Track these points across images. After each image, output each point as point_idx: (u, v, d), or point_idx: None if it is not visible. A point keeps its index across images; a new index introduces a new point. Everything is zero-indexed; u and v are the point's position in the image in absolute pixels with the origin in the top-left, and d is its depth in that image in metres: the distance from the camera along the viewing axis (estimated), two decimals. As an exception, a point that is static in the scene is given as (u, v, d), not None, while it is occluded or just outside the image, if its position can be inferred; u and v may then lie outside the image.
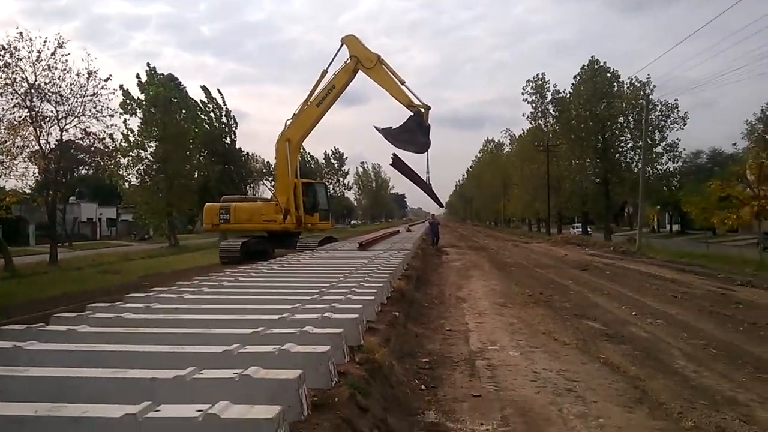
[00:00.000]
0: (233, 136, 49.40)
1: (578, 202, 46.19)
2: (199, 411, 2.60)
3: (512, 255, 27.19)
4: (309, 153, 76.49)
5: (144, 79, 37.31)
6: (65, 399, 2.92)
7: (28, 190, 25.59)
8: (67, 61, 22.03)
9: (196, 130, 40.77)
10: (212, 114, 47.62)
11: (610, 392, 5.74)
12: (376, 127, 19.00)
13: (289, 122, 21.09)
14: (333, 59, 20.31)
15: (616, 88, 42.99)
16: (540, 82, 48.94)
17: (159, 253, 31.42)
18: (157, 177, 36.62)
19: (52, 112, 22.41)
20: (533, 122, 51.09)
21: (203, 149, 43.24)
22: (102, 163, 34.69)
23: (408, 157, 19.41)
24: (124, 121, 34.88)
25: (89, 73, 22.80)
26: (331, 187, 71.95)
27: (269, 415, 2.59)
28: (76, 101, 22.73)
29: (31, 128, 21.42)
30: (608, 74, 43.27)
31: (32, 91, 21.33)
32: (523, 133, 57.13)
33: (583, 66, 44.23)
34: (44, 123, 22.17)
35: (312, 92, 20.75)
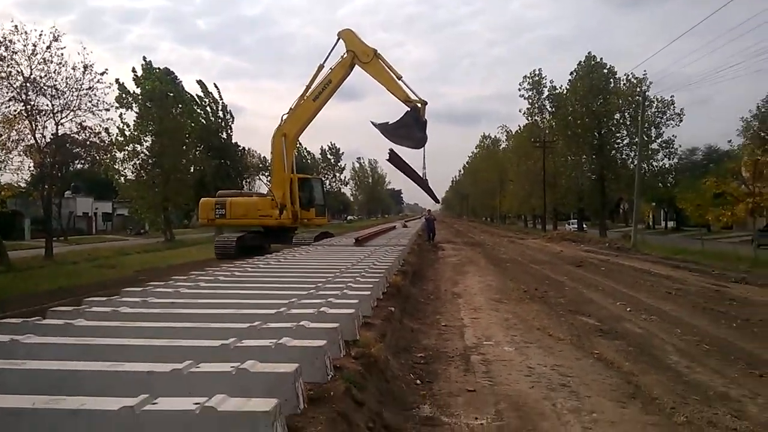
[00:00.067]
0: (229, 131, 49.38)
1: (574, 198, 46.34)
2: (196, 404, 2.62)
3: (508, 251, 27.26)
4: (305, 148, 76.51)
5: (140, 73, 37.22)
6: (63, 392, 2.94)
7: (23, 184, 25.57)
8: (62, 54, 22.00)
9: (192, 124, 40.71)
10: (208, 108, 47.56)
11: (604, 387, 5.78)
12: (372, 123, 19.03)
13: (285, 117, 21.08)
14: (330, 54, 20.33)
15: (612, 85, 43.12)
16: (537, 78, 48.99)
17: (155, 247, 31.38)
18: (153, 171, 36.58)
19: (47, 105, 22.39)
20: (530, 118, 51.17)
21: (199, 144, 43.19)
22: (98, 158, 34.68)
23: (404, 153, 19.47)
24: (120, 116, 34.86)
25: (85, 67, 22.77)
26: (327, 182, 72.06)
27: (266, 408, 2.62)
28: (72, 95, 22.71)
29: (26, 122, 21.40)
30: (605, 70, 43.38)
31: (28, 84, 21.28)
32: (520, 129, 57.23)
33: (580, 62, 44.33)
34: (40, 117, 22.15)
35: (308, 87, 20.73)
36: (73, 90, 22.63)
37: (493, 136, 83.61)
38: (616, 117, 42.68)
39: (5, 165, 20.77)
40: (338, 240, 21.27)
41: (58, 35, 21.61)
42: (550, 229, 49.92)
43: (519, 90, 49.69)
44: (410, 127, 18.58)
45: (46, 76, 21.66)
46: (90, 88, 22.97)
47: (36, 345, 4.16)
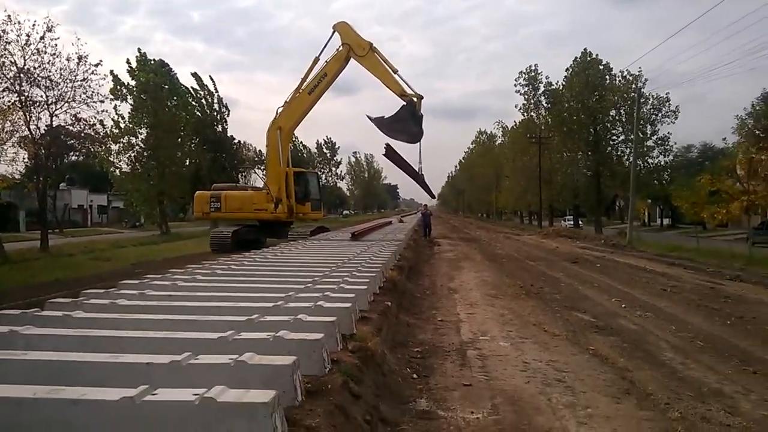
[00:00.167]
0: (225, 124, 49.20)
1: (570, 194, 46.41)
2: (195, 395, 2.64)
3: (504, 247, 27.33)
4: (301, 142, 76.25)
5: (134, 64, 37.02)
6: (62, 382, 2.94)
7: (18, 176, 25.39)
8: (56, 45, 21.83)
9: (187, 117, 40.54)
10: (203, 101, 47.38)
11: (599, 383, 5.82)
12: (368, 116, 18.95)
13: (280, 110, 20.96)
14: (325, 46, 20.20)
15: (608, 81, 43.15)
16: (532, 74, 48.89)
17: (150, 240, 31.32)
18: (148, 164, 36.44)
19: (41, 97, 22.27)
20: (525, 114, 51.08)
21: (194, 136, 43.01)
22: (92, 150, 34.50)
23: (400, 148, 19.39)
24: (115, 107, 34.67)
25: (79, 58, 22.63)
26: (323, 176, 71.88)
27: (265, 399, 2.63)
28: (66, 86, 22.59)
29: (20, 113, 21.23)
30: (600, 67, 43.41)
31: (21, 75, 21.13)
32: (516, 124, 57.20)
33: (576, 58, 44.39)
34: (34, 108, 22.02)
35: (304, 80, 20.61)
36: (68, 81, 22.54)
37: (489, 132, 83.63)
38: (611, 113, 42.71)
39: (0, 156, 20.67)
40: (334, 234, 21.30)
41: (52, 26, 21.48)
42: (546, 225, 49.98)
43: (515, 85, 49.67)
44: (406, 122, 18.52)
45: (40, 66, 21.54)
46: (84, 79, 22.88)
47: (35, 336, 4.18)
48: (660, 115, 39.96)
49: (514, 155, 55.45)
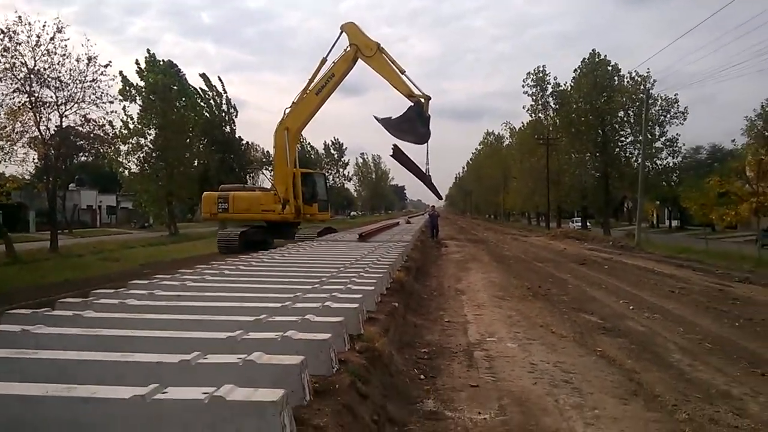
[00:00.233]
0: (233, 125, 49.34)
1: (578, 196, 46.29)
2: (205, 393, 2.66)
3: (511, 248, 27.28)
4: (309, 143, 76.46)
5: (143, 65, 37.21)
6: (73, 381, 2.97)
7: (28, 177, 25.58)
8: (66, 46, 21.98)
9: (196, 118, 40.71)
10: (212, 102, 47.54)
11: (606, 384, 5.82)
12: (375, 117, 18.95)
13: (288, 111, 21.00)
14: (332, 47, 20.21)
15: (616, 82, 43.03)
16: (540, 75, 48.88)
17: (159, 241, 31.48)
18: (156, 165, 36.61)
19: (51, 97, 22.41)
20: (533, 115, 51.05)
21: (203, 137, 43.18)
22: (102, 150, 34.68)
23: (408, 149, 19.38)
24: (124, 108, 34.85)
25: (89, 59, 22.77)
26: (330, 177, 72.03)
27: (274, 398, 2.66)
28: (76, 87, 22.74)
29: (30, 114, 21.39)
30: (609, 67, 43.33)
31: (31, 76, 21.29)
32: (523, 126, 57.06)
33: (584, 59, 44.32)
34: (44, 109, 22.16)
35: (311, 80, 20.63)
36: (77, 82, 22.68)
37: (496, 133, 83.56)
38: (619, 115, 42.62)
39: (10, 157, 20.82)
40: (341, 235, 21.31)
41: (62, 26, 21.62)
42: (554, 226, 49.86)
43: (523, 87, 49.68)
44: (413, 122, 18.51)
45: (50, 67, 21.69)
46: (94, 80, 23.03)
47: (46, 335, 4.22)
48: (669, 116, 39.88)
49: (521, 156, 55.35)
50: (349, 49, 19.98)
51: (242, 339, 3.97)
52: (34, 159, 24.05)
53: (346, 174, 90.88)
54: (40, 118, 21.95)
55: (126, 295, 6.22)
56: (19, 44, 20.69)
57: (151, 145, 36.59)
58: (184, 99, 39.90)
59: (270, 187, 23.62)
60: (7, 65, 20.45)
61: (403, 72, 19.02)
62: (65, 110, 22.91)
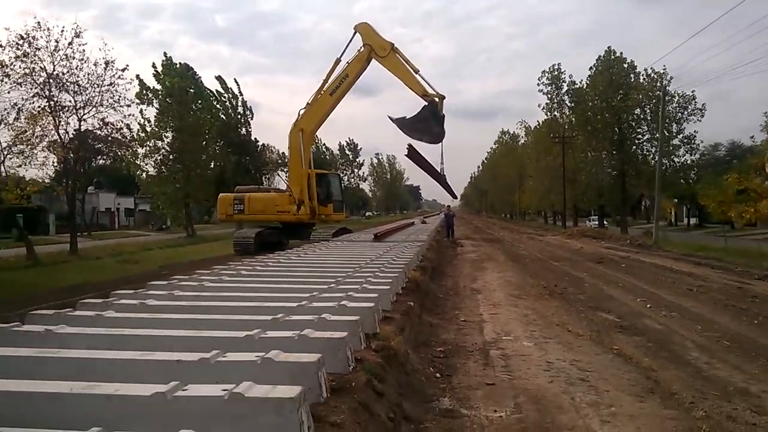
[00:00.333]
0: (248, 127, 49.67)
1: (594, 194, 45.95)
2: (224, 390, 2.73)
3: (527, 247, 27.17)
4: (324, 143, 76.72)
5: (160, 69, 37.57)
6: (96, 379, 3.06)
7: (47, 180, 25.93)
8: (84, 50, 22.24)
9: (212, 120, 41.02)
10: (228, 104, 47.88)
11: (623, 382, 5.81)
12: (390, 117, 18.96)
13: (302, 112, 21.08)
14: (346, 48, 20.25)
15: (632, 79, 42.66)
16: (555, 73, 48.56)
17: (177, 243, 31.77)
18: (174, 167, 36.93)
19: (70, 101, 22.68)
20: (549, 113, 50.74)
21: (219, 139, 43.49)
22: (119, 153, 35.04)
23: (422, 149, 19.37)
24: (141, 111, 35.21)
25: (106, 63, 23.00)
26: (345, 178, 72.19)
27: (291, 394, 2.71)
28: (94, 91, 22.98)
29: (50, 118, 21.64)
30: (624, 65, 42.98)
31: (51, 80, 21.56)
32: (539, 124, 56.80)
33: (600, 56, 43.97)
34: (63, 113, 22.42)
35: (325, 81, 20.68)
36: (95, 86, 22.94)
37: (511, 132, 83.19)
38: (636, 112, 42.28)
39: (30, 161, 21.09)
40: (357, 236, 21.39)
41: (80, 31, 21.88)
42: (571, 225, 49.54)
43: (538, 85, 49.38)
44: (428, 122, 18.48)
45: (68, 72, 21.96)
46: (111, 84, 23.26)
47: (69, 335, 4.32)
48: (686, 113, 39.47)
49: (537, 155, 55.06)
50: (362, 49, 19.99)
51: (260, 337, 4.04)
52: (53, 163, 24.38)
53: (361, 174, 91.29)
54: (59, 122, 22.25)
55: (145, 296, 6.33)
56: (39, 50, 21.00)
57: (168, 148, 36.94)
58: (200, 102, 40.23)
59: (285, 188, 23.73)
60: (27, 70, 20.76)
61: (417, 71, 18.99)
62: (84, 114, 23.20)
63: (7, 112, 20.10)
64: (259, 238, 21.38)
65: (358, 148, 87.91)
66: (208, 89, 44.77)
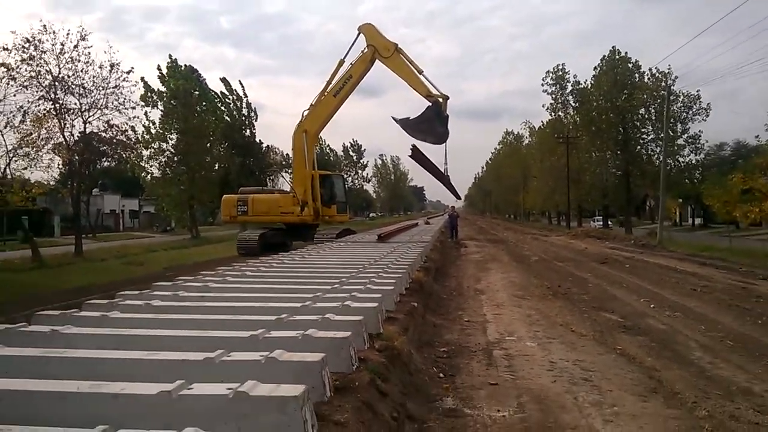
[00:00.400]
0: (253, 128, 49.78)
1: (599, 194, 45.87)
2: (229, 389, 2.76)
3: (531, 248, 27.16)
4: (328, 145, 76.79)
5: (165, 71, 37.69)
6: (102, 378, 3.09)
7: (52, 182, 26.05)
8: (89, 53, 22.27)
9: (216, 122, 41.11)
10: (232, 106, 47.99)
11: (626, 382, 5.82)
12: (393, 118, 18.99)
13: (306, 113, 21.12)
14: (350, 48, 20.30)
15: (637, 79, 42.58)
16: (560, 73, 48.44)
17: (181, 244, 31.83)
18: (178, 169, 37.04)
19: (75, 104, 22.67)
20: (553, 114, 50.61)
21: (223, 141, 43.60)
22: (124, 155, 35.17)
23: (426, 149, 19.38)
24: (146, 113, 35.31)
25: (111, 66, 23.01)
26: (349, 179, 72.26)
27: (295, 393, 2.74)
28: (99, 93, 23.01)
29: (55, 120, 21.71)
30: (629, 65, 42.87)
31: (56, 83, 21.59)
32: (543, 124, 56.71)
33: (604, 56, 43.89)
34: (68, 115, 22.41)
35: (329, 82, 20.72)
36: (100, 88, 22.94)
37: (516, 132, 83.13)
38: (640, 112, 42.17)
39: (35, 163, 21.16)
40: (361, 237, 21.40)
41: (85, 34, 21.93)
42: (575, 226, 49.49)
43: (542, 85, 49.25)
44: (432, 122, 18.51)
45: (74, 75, 21.96)
46: (116, 86, 23.24)
47: (74, 335, 4.36)
48: (690, 113, 39.39)
49: (541, 155, 54.97)
50: (366, 50, 20.03)
51: (264, 337, 4.07)
52: (58, 165, 24.50)
53: (365, 175, 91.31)
54: (65, 124, 22.28)
55: (150, 297, 6.37)
56: (44, 53, 21.05)
57: (172, 150, 37.05)
58: (204, 104, 40.33)
59: (289, 190, 23.77)
60: (33, 73, 20.82)
61: (420, 72, 19.02)
62: (89, 116, 23.22)
63: (13, 115, 20.18)
64: (262, 240, 21.42)
65: (362, 149, 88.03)
66: (213, 91, 44.97)
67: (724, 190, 25.82)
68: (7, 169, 20.39)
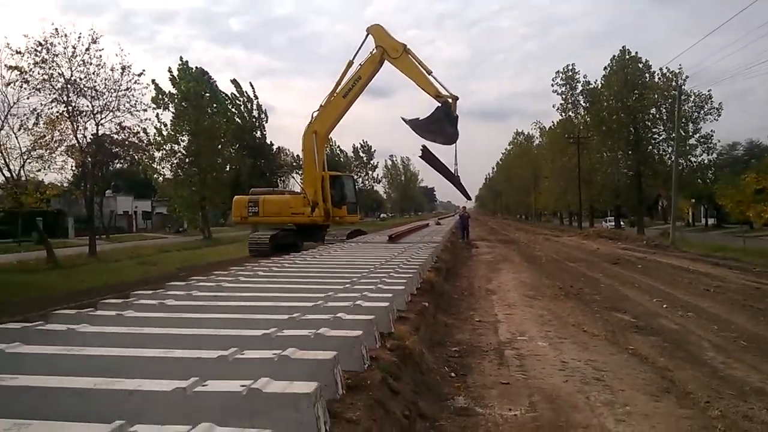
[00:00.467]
0: (263, 130, 49.99)
1: (610, 195, 45.66)
2: (243, 386, 2.80)
3: (543, 248, 27.08)
4: (338, 146, 76.94)
5: (176, 73, 37.94)
6: (118, 375, 3.14)
7: (66, 184, 26.28)
8: (101, 56, 22.47)
9: (227, 123, 41.32)
10: (243, 108, 48.21)
11: (638, 382, 5.80)
12: (403, 119, 18.99)
13: (315, 114, 21.18)
14: (359, 49, 20.34)
15: (647, 79, 42.35)
16: (570, 74, 48.28)
17: (193, 245, 32.01)
18: (190, 171, 37.30)
19: (87, 106, 22.86)
20: (563, 114, 50.44)
21: (234, 143, 43.83)
22: (136, 157, 35.38)
23: (436, 150, 19.37)
24: (157, 115, 35.59)
25: (123, 68, 23.20)
26: (360, 180, 72.34)
27: (308, 390, 2.77)
28: (111, 96, 23.20)
29: (68, 123, 21.90)
30: (639, 64, 42.66)
31: (68, 86, 21.78)
32: (554, 125, 56.53)
33: (614, 56, 43.72)
34: (80, 117, 22.60)
35: (338, 83, 20.76)
36: (112, 91, 23.14)
37: (526, 133, 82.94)
38: (652, 112, 41.97)
39: (49, 165, 21.39)
40: (371, 237, 21.42)
41: (97, 37, 22.13)
42: (587, 226, 49.26)
43: (552, 86, 49.12)
44: (441, 123, 18.49)
45: (85, 77, 22.16)
46: (128, 89, 23.45)
47: (90, 334, 4.42)
48: (702, 112, 39.13)
49: (552, 156, 54.82)
50: (375, 51, 20.06)
51: (277, 336, 4.11)
52: (71, 167, 24.73)
53: (376, 176, 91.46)
54: (77, 126, 22.47)
55: (164, 296, 6.43)
56: (56, 56, 21.26)
57: (184, 152, 37.31)
58: (215, 105, 40.60)
59: (299, 191, 23.84)
60: (46, 76, 21.04)
61: (429, 73, 19.02)
62: (101, 119, 23.41)
63: (27, 118, 20.41)
64: (273, 240, 21.49)
65: (372, 150, 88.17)
66: (224, 93, 45.23)
67: (737, 190, 25.62)
68: (22, 171, 20.61)
